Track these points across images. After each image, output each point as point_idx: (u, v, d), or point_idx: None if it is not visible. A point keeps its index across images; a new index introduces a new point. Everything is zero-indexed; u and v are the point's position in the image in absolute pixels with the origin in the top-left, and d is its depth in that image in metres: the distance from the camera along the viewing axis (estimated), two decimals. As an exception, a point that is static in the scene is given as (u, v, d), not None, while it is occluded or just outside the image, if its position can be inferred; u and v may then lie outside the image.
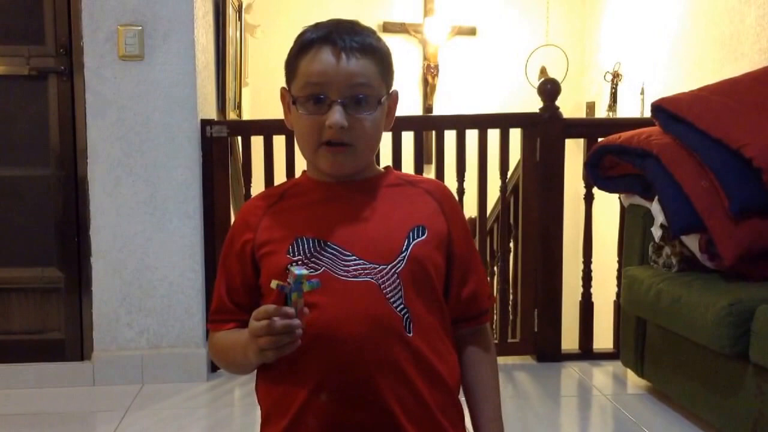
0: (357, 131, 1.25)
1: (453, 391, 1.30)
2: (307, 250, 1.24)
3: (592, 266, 3.35)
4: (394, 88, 1.33)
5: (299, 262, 1.22)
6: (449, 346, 1.31)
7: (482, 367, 1.36)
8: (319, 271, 1.22)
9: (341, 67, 1.23)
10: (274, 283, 1.12)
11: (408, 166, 3.14)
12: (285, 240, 1.26)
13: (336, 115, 1.22)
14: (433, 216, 1.31)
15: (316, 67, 1.24)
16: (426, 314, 1.26)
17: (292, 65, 1.29)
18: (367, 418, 1.21)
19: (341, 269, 1.22)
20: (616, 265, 3.29)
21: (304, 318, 1.13)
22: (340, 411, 1.21)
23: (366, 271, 1.22)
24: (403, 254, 1.24)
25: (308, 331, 1.16)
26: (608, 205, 3.70)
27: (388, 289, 1.22)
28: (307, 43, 1.26)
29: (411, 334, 1.23)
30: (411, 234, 1.26)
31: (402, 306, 1.23)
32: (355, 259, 1.23)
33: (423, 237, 1.27)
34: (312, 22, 1.31)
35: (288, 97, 1.31)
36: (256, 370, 1.31)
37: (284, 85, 1.34)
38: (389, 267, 1.23)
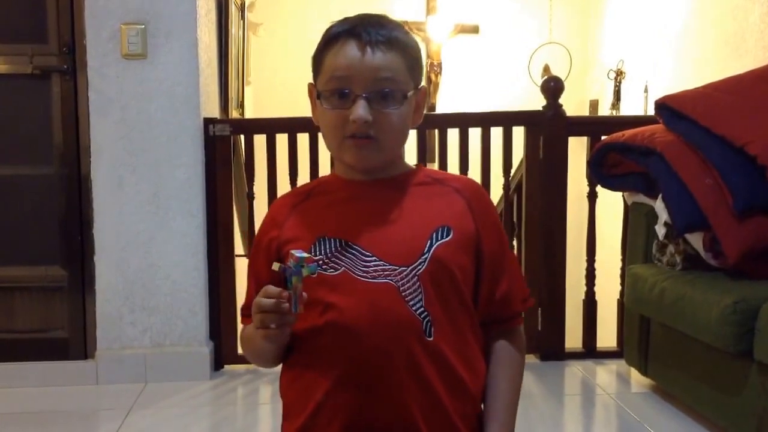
0: (382, 125, 1.24)
1: (475, 397, 1.27)
2: (328, 250, 1.23)
3: (596, 265, 3.34)
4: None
5: (320, 262, 1.21)
6: (477, 351, 1.29)
7: (505, 364, 1.32)
8: (338, 271, 1.21)
9: (366, 61, 1.22)
10: (275, 266, 1.13)
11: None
12: (308, 238, 1.26)
13: (359, 110, 1.21)
14: (460, 216, 1.28)
15: (341, 61, 1.23)
16: (450, 318, 1.23)
17: (317, 60, 1.28)
18: (384, 419, 1.20)
19: (361, 270, 1.21)
20: (620, 264, 3.29)
21: (302, 302, 1.13)
22: (358, 411, 1.20)
23: (385, 273, 1.21)
24: (425, 256, 1.22)
25: (328, 330, 1.18)
26: (612, 204, 3.70)
27: (407, 292, 1.21)
28: (333, 37, 1.26)
29: (432, 338, 1.21)
30: (434, 235, 1.24)
31: (422, 309, 1.21)
32: (375, 260, 1.22)
33: (447, 238, 1.24)
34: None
35: (314, 92, 1.30)
36: (281, 366, 1.32)
37: (307, 81, 1.33)
38: (409, 269, 1.21)
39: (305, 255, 1.11)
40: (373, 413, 1.20)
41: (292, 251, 1.12)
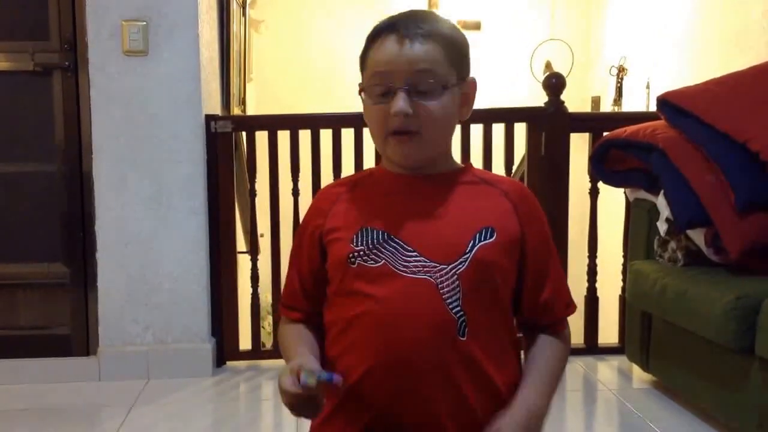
0: (423, 118, 1.23)
1: (507, 401, 1.25)
2: (370, 241, 1.23)
3: (598, 261, 3.34)
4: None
5: (360, 253, 1.22)
6: (512, 356, 1.29)
7: (544, 346, 1.31)
8: (378, 264, 1.21)
9: (404, 53, 1.22)
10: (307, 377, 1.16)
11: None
12: (351, 228, 1.25)
13: (399, 103, 1.21)
14: (505, 218, 1.26)
15: (381, 57, 1.24)
16: (486, 319, 1.23)
17: (363, 58, 1.29)
18: (410, 415, 1.21)
19: (401, 264, 1.21)
20: (622, 260, 3.28)
21: (321, 392, 1.17)
22: (385, 403, 1.21)
23: (426, 269, 1.20)
24: (466, 255, 1.21)
25: (363, 320, 1.21)
26: (614, 200, 3.69)
27: (445, 290, 1.20)
28: (374, 34, 1.26)
29: (464, 338, 1.20)
30: (477, 235, 1.23)
31: (458, 308, 1.20)
32: (416, 256, 1.21)
33: (491, 239, 1.23)
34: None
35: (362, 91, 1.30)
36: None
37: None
38: (449, 267, 1.20)
39: (324, 378, 1.15)
40: (401, 407, 1.21)
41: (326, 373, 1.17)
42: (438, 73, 1.23)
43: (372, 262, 1.21)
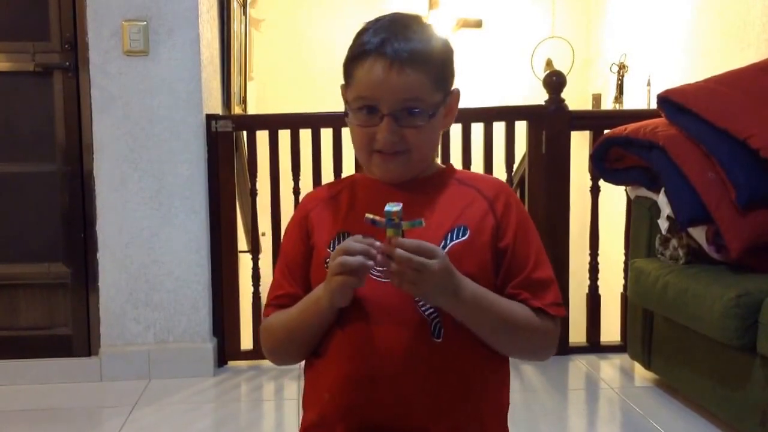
0: (409, 139, 1.25)
1: (491, 398, 1.25)
2: None
3: (599, 259, 3.34)
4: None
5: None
6: (495, 354, 1.25)
7: (516, 303, 1.25)
8: None
9: (392, 82, 1.22)
10: (369, 216, 1.14)
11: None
12: (330, 233, 1.28)
13: (385, 133, 1.23)
14: (479, 216, 1.27)
15: (367, 81, 1.24)
16: None
17: (348, 70, 1.29)
18: (391, 419, 1.20)
19: (375, 269, 1.20)
20: (623, 258, 3.28)
21: (391, 249, 1.12)
22: (364, 409, 1.21)
23: None
24: None
25: (339, 327, 1.21)
26: (615, 198, 3.69)
27: None
28: (361, 52, 1.25)
29: (440, 340, 1.20)
30: (449, 235, 1.24)
31: (431, 310, 1.20)
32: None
33: (463, 238, 1.24)
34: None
35: (345, 97, 1.32)
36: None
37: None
38: None
39: (394, 209, 1.11)
40: (381, 412, 1.20)
41: (388, 204, 1.13)
42: (425, 99, 1.25)
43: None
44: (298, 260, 1.32)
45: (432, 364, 1.20)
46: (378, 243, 1.14)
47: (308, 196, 1.42)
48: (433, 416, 1.20)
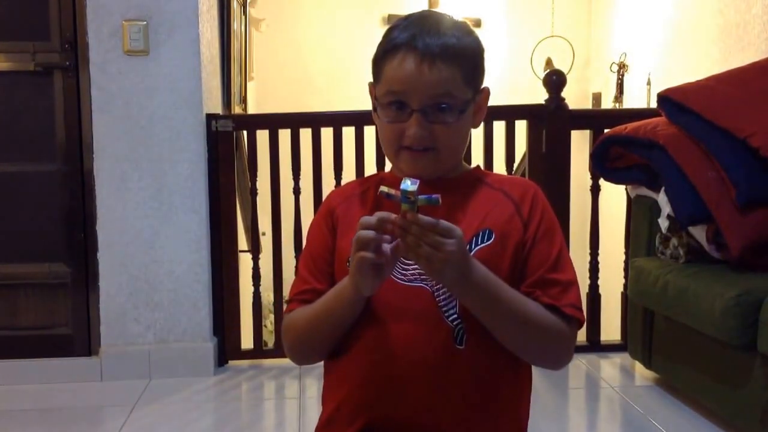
0: (438, 136, 1.23)
1: (509, 409, 1.23)
2: None
3: (599, 258, 3.34)
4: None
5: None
6: (518, 362, 1.23)
7: (532, 301, 1.20)
8: None
9: (422, 77, 1.20)
10: (384, 189, 1.11)
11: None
12: (354, 230, 1.21)
13: (414, 128, 1.21)
14: (506, 219, 1.24)
15: (398, 76, 1.22)
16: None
17: (377, 66, 1.27)
18: (408, 423, 1.19)
19: (399, 272, 1.19)
20: (623, 257, 3.28)
21: (406, 222, 1.08)
22: (380, 410, 1.20)
23: (422, 276, 1.19)
24: None
25: (360, 329, 1.19)
26: (615, 197, 3.69)
27: (441, 297, 1.19)
28: (392, 47, 1.23)
29: (463, 347, 1.18)
30: (475, 239, 1.22)
31: (455, 316, 1.18)
32: (413, 263, 1.18)
33: (488, 242, 1.22)
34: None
35: (374, 93, 1.29)
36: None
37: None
38: None
39: (410, 188, 1.07)
40: (397, 412, 1.19)
41: (404, 180, 1.08)
42: (455, 95, 1.22)
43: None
44: (323, 254, 1.30)
45: (452, 371, 1.18)
46: (393, 216, 1.10)
47: (334, 192, 1.40)
48: (448, 422, 1.19)
